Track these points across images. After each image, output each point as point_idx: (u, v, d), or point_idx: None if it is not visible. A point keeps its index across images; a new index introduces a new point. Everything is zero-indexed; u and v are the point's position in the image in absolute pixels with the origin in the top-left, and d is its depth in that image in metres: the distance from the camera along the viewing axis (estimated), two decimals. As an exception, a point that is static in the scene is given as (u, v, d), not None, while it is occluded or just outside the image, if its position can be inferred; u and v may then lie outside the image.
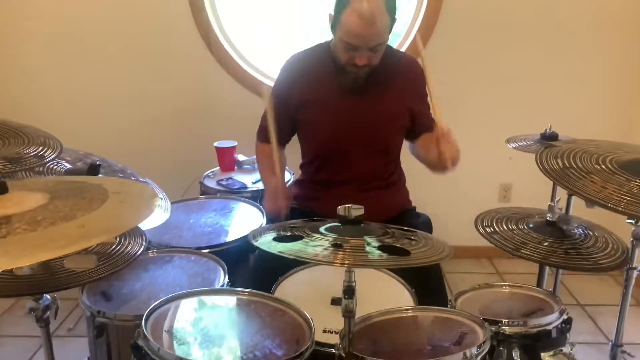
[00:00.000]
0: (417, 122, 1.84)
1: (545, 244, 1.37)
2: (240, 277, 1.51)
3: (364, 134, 1.75)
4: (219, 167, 2.35)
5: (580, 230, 1.47)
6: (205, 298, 1.25)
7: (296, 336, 1.10)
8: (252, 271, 1.58)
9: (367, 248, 1.01)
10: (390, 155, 1.85)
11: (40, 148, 1.25)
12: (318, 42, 1.84)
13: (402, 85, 1.77)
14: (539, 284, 1.64)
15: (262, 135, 1.88)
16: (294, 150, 1.91)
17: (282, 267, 1.43)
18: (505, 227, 1.45)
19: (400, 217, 1.78)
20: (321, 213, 1.60)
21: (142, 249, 1.30)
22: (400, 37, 2.73)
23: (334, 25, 1.63)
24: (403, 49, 2.66)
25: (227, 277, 1.42)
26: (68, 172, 1.52)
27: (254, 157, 2.33)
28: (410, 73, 1.80)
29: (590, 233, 1.45)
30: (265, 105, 1.75)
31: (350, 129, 1.74)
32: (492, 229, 1.44)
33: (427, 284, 1.46)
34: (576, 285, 2.66)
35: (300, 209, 1.81)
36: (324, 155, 1.81)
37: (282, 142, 1.87)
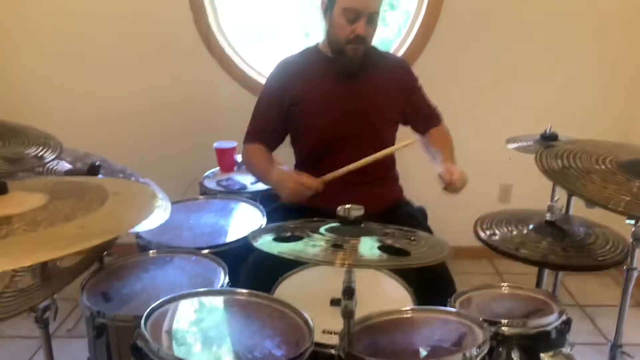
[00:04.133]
0: (418, 114, 1.91)
1: (545, 243, 1.37)
2: (240, 277, 1.51)
3: (357, 127, 1.80)
4: (218, 168, 2.35)
5: (580, 229, 1.47)
6: (205, 299, 1.25)
7: (296, 337, 1.10)
8: (252, 272, 1.58)
9: (367, 248, 1.01)
10: (383, 148, 1.86)
11: (41, 148, 1.25)
12: (305, 47, 1.91)
13: (391, 80, 1.86)
14: (539, 284, 1.64)
15: (253, 137, 1.89)
16: (290, 152, 1.91)
17: (281, 267, 1.43)
18: (504, 229, 1.45)
19: (395, 208, 1.79)
20: (316, 209, 1.61)
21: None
22: (400, 37, 2.73)
23: (329, 5, 1.71)
24: (403, 49, 2.67)
25: (227, 277, 1.41)
26: (68, 173, 1.52)
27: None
28: (397, 69, 1.92)
29: (591, 231, 1.45)
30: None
31: (343, 122, 1.79)
32: (492, 231, 1.44)
33: (435, 284, 1.46)
34: (576, 285, 2.66)
35: (296, 206, 1.81)
36: (318, 151, 1.83)
37: (273, 145, 1.89)
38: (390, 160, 1.91)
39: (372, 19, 1.69)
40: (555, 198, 1.57)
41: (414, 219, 1.77)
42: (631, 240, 1.33)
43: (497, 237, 1.41)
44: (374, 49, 1.89)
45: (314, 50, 1.87)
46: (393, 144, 1.90)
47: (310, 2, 2.82)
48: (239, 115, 2.65)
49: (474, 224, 1.48)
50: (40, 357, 1.83)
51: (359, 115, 1.80)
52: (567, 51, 2.69)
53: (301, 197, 1.62)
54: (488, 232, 1.44)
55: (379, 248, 1.02)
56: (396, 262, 1.07)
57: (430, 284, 1.41)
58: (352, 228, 1.08)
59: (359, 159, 1.78)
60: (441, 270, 1.59)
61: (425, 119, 1.93)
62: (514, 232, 1.44)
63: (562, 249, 1.37)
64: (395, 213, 1.78)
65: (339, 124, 1.79)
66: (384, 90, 1.84)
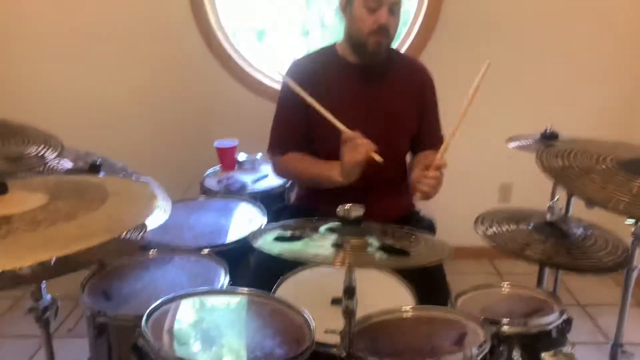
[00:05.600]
0: (424, 135, 1.84)
1: (548, 244, 1.36)
2: (240, 277, 1.51)
3: (371, 134, 1.75)
4: (219, 167, 2.35)
5: (579, 230, 1.46)
6: (205, 298, 1.25)
7: (296, 336, 1.10)
8: (253, 271, 1.58)
9: (368, 248, 1.01)
10: (397, 158, 1.84)
11: (41, 148, 1.25)
12: (321, 47, 1.84)
13: (412, 89, 1.79)
14: (539, 284, 1.64)
15: (282, 148, 1.80)
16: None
17: (282, 267, 1.42)
18: (505, 228, 1.45)
19: (403, 220, 1.77)
20: (324, 213, 1.60)
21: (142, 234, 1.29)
22: (400, 37, 2.73)
23: (348, 0, 1.67)
24: (403, 49, 2.66)
25: (227, 277, 1.42)
26: (69, 172, 1.52)
27: (255, 156, 2.34)
28: (420, 79, 1.83)
29: (590, 233, 1.45)
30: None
31: (359, 128, 1.74)
32: (493, 232, 1.43)
33: (429, 285, 1.46)
34: (576, 285, 2.66)
35: (303, 209, 1.81)
36: (330, 156, 1.80)
37: (302, 149, 1.80)
38: (401, 168, 1.87)
39: (393, 10, 1.64)
40: (556, 198, 1.57)
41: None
42: (631, 240, 1.33)
43: (499, 237, 1.41)
44: (396, 52, 1.84)
45: (331, 51, 1.80)
46: (405, 155, 1.88)
47: (309, 3, 2.82)
48: (240, 113, 2.67)
49: (475, 223, 1.48)
50: (41, 357, 1.83)
51: (374, 122, 1.73)
52: (568, 51, 2.68)
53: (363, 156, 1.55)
54: (490, 231, 1.44)
55: (379, 248, 1.02)
56: (396, 262, 1.08)
57: (425, 285, 1.40)
58: (352, 228, 1.08)
59: (371, 165, 1.75)
60: (436, 271, 1.58)
61: (430, 141, 1.84)
62: (516, 231, 1.43)
63: (566, 250, 1.36)
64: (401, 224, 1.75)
65: (353, 128, 1.69)
66: (402, 98, 1.77)
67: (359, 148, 1.54)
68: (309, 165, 1.76)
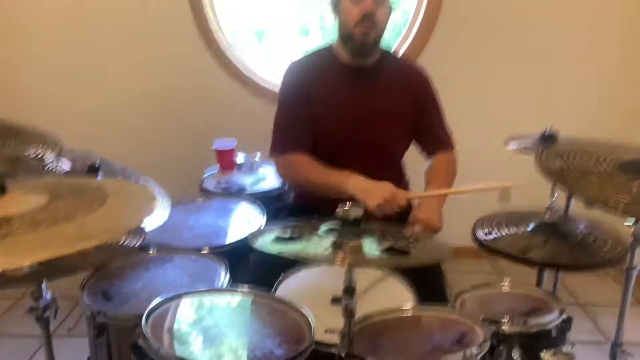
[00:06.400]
0: (428, 132, 1.85)
1: (549, 245, 1.36)
2: (240, 277, 1.51)
3: (365, 135, 1.76)
4: (218, 168, 2.35)
5: (579, 228, 1.47)
6: (205, 297, 1.25)
7: (296, 336, 1.10)
8: (253, 271, 1.58)
9: (367, 248, 1.01)
10: (393, 159, 1.85)
11: (40, 148, 1.25)
12: (318, 47, 1.86)
13: (406, 90, 1.80)
14: (539, 283, 1.64)
15: (289, 146, 1.77)
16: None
17: (282, 266, 1.42)
18: (505, 232, 1.45)
19: (402, 219, 1.77)
20: (324, 212, 1.60)
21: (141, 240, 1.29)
22: (400, 37, 2.74)
23: None
24: (403, 49, 2.67)
25: (227, 276, 1.42)
26: (68, 174, 1.52)
27: (254, 157, 2.33)
28: (416, 80, 1.83)
29: (589, 230, 1.45)
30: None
31: (352, 129, 1.75)
32: (494, 237, 1.43)
33: (427, 285, 1.46)
34: (576, 284, 2.66)
35: (303, 208, 1.81)
36: (325, 155, 1.81)
37: (309, 149, 1.78)
38: (397, 169, 1.88)
39: (378, 2, 1.63)
40: (554, 198, 1.57)
41: None
42: (631, 240, 1.33)
43: (500, 242, 1.41)
44: (391, 55, 1.86)
45: (327, 52, 1.81)
46: (402, 158, 1.88)
47: (309, 2, 2.83)
48: (239, 114, 2.67)
49: (473, 228, 1.48)
50: (41, 356, 1.83)
51: (369, 122, 1.75)
52: (568, 51, 2.69)
53: (389, 210, 1.52)
54: (490, 237, 1.44)
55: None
56: (396, 261, 1.08)
57: (425, 285, 1.40)
58: (352, 228, 1.08)
59: (366, 167, 1.72)
60: (435, 270, 1.59)
61: (434, 140, 1.85)
62: (516, 234, 1.43)
63: (568, 250, 1.36)
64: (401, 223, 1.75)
65: (347, 130, 1.75)
66: (396, 99, 1.78)
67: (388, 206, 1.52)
68: (319, 172, 1.70)
